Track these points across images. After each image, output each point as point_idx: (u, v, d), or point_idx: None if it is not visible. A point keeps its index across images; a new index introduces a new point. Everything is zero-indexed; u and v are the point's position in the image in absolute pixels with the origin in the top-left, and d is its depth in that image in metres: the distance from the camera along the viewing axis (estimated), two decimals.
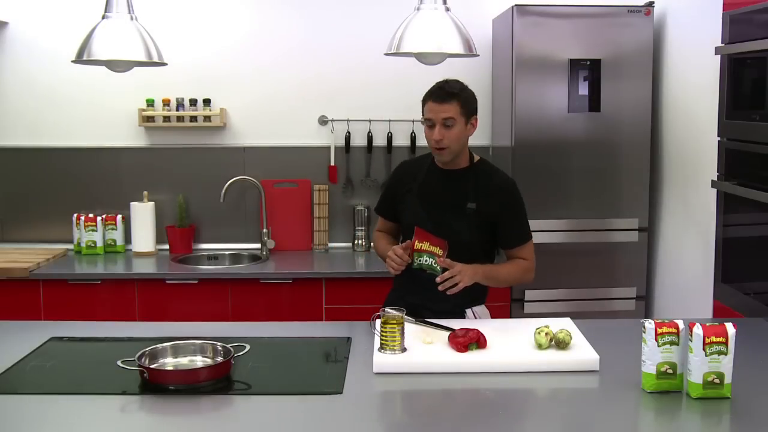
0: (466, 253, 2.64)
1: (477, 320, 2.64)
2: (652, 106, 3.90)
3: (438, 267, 2.56)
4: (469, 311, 2.74)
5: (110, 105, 4.28)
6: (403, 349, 2.27)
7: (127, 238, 4.29)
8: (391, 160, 4.31)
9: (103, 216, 4.23)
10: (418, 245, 2.58)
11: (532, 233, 3.83)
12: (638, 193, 3.94)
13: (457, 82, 2.68)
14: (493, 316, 2.90)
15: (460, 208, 2.68)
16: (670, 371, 2.01)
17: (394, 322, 2.26)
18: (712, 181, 3.06)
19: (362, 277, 3.84)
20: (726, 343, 1.96)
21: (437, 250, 2.58)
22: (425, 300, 2.64)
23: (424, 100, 2.67)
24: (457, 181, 2.73)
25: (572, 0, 3.94)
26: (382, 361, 2.21)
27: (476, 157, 2.80)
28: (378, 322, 2.30)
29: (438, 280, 2.54)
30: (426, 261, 2.59)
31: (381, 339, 2.27)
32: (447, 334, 2.36)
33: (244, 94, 4.33)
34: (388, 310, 2.28)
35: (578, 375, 2.19)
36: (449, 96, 2.62)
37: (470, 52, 2.69)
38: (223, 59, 4.30)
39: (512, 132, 3.86)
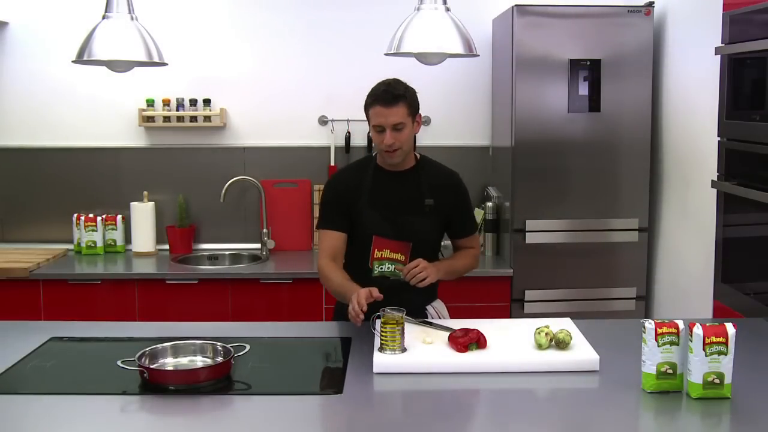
0: (429, 250, 2.70)
1: (477, 320, 2.63)
2: (652, 106, 3.90)
3: (400, 272, 2.55)
4: (430, 308, 2.75)
5: (110, 105, 4.28)
6: (403, 349, 2.27)
7: (127, 238, 4.29)
8: None
9: (103, 216, 4.23)
10: (378, 254, 2.56)
11: (531, 233, 3.89)
12: (638, 193, 3.93)
13: (399, 81, 2.62)
14: (493, 316, 2.90)
15: (419, 206, 2.67)
16: (670, 371, 2.01)
17: (394, 322, 2.26)
18: (712, 181, 3.06)
19: None
20: (726, 343, 1.96)
21: (398, 256, 2.57)
22: (385, 304, 2.37)
23: (370, 104, 2.58)
24: (409, 180, 2.70)
25: (572, 0, 3.94)
26: (382, 361, 2.21)
27: (417, 155, 2.77)
28: (378, 322, 2.30)
29: (405, 272, 2.51)
30: (388, 268, 2.57)
31: (381, 339, 2.27)
32: (447, 334, 2.36)
33: (244, 94, 4.32)
34: (388, 310, 2.28)
35: (578, 375, 2.19)
36: (396, 98, 2.54)
37: (470, 52, 2.69)
38: (223, 59, 4.30)
39: (512, 132, 3.86)
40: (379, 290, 2.44)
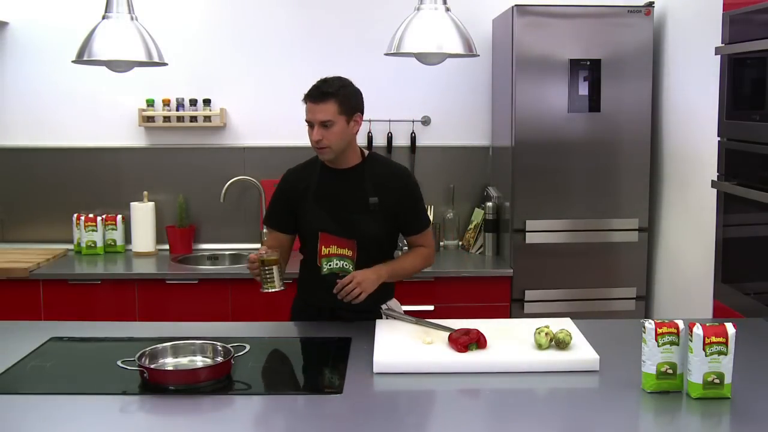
0: (376, 248, 2.69)
1: (477, 320, 2.63)
2: (652, 106, 3.90)
3: (350, 268, 2.54)
4: (384, 307, 2.74)
5: (110, 105, 4.28)
6: (282, 287, 2.50)
7: (127, 238, 4.29)
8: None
9: (103, 216, 4.23)
10: (325, 251, 2.57)
11: (531, 233, 3.89)
12: (638, 193, 3.93)
13: (337, 79, 2.61)
14: (493, 316, 2.91)
15: (363, 204, 2.66)
16: (670, 371, 2.01)
17: (271, 260, 2.47)
18: (712, 181, 3.06)
19: None
20: (726, 343, 1.96)
21: (346, 252, 2.58)
22: (339, 302, 2.58)
23: (303, 100, 2.60)
24: (353, 178, 2.69)
25: (572, 0, 3.94)
26: (382, 361, 2.21)
27: (366, 152, 2.76)
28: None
29: (335, 291, 2.54)
30: (336, 264, 2.59)
31: (261, 279, 2.48)
32: (447, 334, 2.36)
33: (244, 94, 4.33)
34: (263, 251, 2.52)
35: (578, 375, 2.19)
36: (324, 96, 2.55)
37: (470, 52, 2.69)
38: (223, 59, 4.30)
39: (512, 132, 3.86)
40: (329, 286, 2.58)
